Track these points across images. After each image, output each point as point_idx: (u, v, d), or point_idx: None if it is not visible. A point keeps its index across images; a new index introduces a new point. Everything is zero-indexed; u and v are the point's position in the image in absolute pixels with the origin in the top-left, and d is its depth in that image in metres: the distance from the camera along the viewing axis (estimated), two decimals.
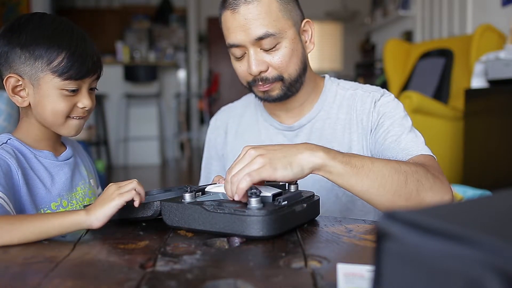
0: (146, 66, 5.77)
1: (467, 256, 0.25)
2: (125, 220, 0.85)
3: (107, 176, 4.70)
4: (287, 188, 0.88)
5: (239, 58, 1.04)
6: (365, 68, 5.90)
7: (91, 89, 0.98)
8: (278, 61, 1.01)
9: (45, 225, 0.75)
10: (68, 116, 0.95)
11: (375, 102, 1.07)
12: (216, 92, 6.95)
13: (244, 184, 0.74)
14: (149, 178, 5.02)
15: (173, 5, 7.72)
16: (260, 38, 0.99)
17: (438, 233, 0.27)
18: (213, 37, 8.00)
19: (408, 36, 4.63)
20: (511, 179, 2.19)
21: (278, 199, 0.77)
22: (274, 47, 1.01)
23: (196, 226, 0.78)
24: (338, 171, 0.80)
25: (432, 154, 0.99)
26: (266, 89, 1.04)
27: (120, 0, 7.87)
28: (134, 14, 7.69)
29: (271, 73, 1.03)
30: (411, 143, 0.99)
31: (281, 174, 0.76)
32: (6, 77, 0.92)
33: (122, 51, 5.92)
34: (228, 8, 1.02)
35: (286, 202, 0.77)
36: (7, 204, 0.83)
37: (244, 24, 0.99)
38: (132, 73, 5.63)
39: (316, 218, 0.90)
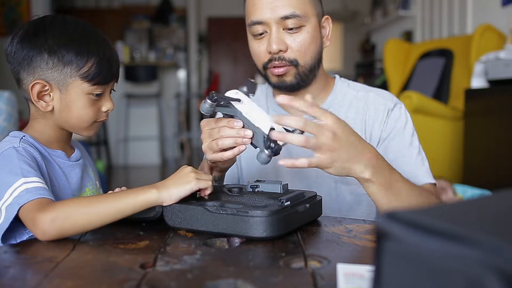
0: (146, 66, 5.77)
1: (467, 256, 0.25)
2: (126, 220, 0.85)
3: (107, 176, 4.70)
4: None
5: (258, 37, 1.04)
6: (365, 68, 5.90)
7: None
8: (298, 44, 1.02)
9: (119, 205, 0.77)
10: (94, 121, 0.96)
11: (388, 112, 1.09)
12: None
13: (300, 164, 0.78)
14: (149, 178, 5.02)
15: (173, 5, 7.71)
16: (286, 18, 1.00)
17: (438, 233, 0.27)
18: (213, 37, 8.00)
19: (408, 36, 4.63)
20: (511, 179, 2.19)
21: (281, 199, 0.77)
22: (297, 29, 1.02)
23: (198, 227, 0.78)
24: (373, 191, 0.86)
25: (435, 182, 1.06)
26: (281, 72, 1.04)
27: (120, 0, 7.87)
28: (134, 14, 7.69)
29: (288, 55, 1.03)
30: (420, 171, 1.05)
31: (328, 172, 0.82)
32: (32, 83, 0.90)
33: (122, 51, 5.91)
34: None
35: (289, 202, 0.77)
36: (51, 192, 0.83)
37: (272, 1, 1.01)
38: (132, 73, 5.62)
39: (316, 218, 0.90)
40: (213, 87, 6.82)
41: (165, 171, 5.59)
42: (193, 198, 0.82)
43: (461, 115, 2.70)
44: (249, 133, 0.84)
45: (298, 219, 0.80)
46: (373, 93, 1.13)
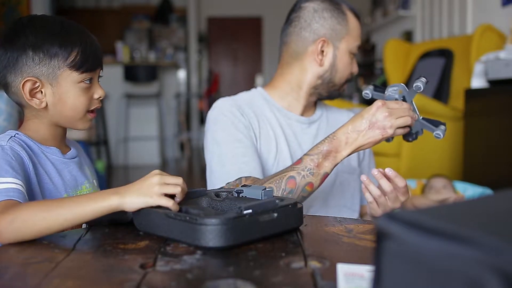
0: (146, 66, 5.76)
1: (467, 256, 0.25)
2: (99, 222, 0.84)
3: (107, 176, 4.70)
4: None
5: (352, 57, 1.25)
6: (365, 68, 5.90)
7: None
8: None
9: (79, 211, 0.75)
10: (87, 111, 0.97)
11: None
12: (216, 92, 6.95)
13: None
14: None
15: (173, 5, 7.71)
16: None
17: (438, 233, 0.27)
18: (213, 37, 7.99)
19: (408, 36, 4.63)
20: (511, 178, 2.19)
21: (240, 207, 0.72)
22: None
23: (157, 232, 0.75)
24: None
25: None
26: None
27: (120, 0, 7.87)
28: (134, 14, 7.69)
29: None
30: None
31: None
32: (22, 82, 0.91)
33: (122, 51, 5.91)
34: (356, 16, 1.24)
35: (250, 210, 0.72)
36: (25, 194, 0.82)
37: None
38: (132, 73, 5.62)
39: (316, 218, 0.89)
40: (213, 87, 6.82)
41: (165, 171, 5.57)
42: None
43: (461, 115, 2.70)
44: (416, 116, 1.06)
45: (261, 229, 0.73)
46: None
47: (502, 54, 2.38)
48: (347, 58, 1.22)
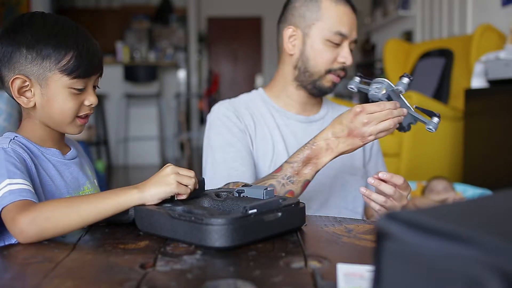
0: (146, 66, 5.77)
1: (467, 256, 0.25)
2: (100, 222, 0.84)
3: (107, 176, 4.70)
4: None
5: (332, 45, 1.17)
6: (365, 68, 5.90)
7: (93, 87, 0.98)
8: (352, 61, 1.20)
9: (101, 206, 0.76)
10: (76, 116, 0.95)
11: None
12: (216, 92, 6.95)
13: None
14: None
15: (173, 5, 7.71)
16: (355, 41, 1.20)
17: (438, 233, 0.27)
18: (213, 37, 7.99)
19: (408, 36, 4.63)
20: (511, 179, 2.19)
21: (245, 207, 0.72)
22: (352, 51, 1.21)
23: (162, 232, 0.75)
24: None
25: None
26: (339, 80, 1.21)
27: (120, 0, 7.86)
28: (134, 14, 7.68)
29: (347, 68, 1.22)
30: None
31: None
32: (12, 79, 0.90)
33: (122, 51, 5.91)
34: (337, 2, 1.17)
35: (255, 210, 0.72)
36: (35, 194, 0.82)
37: (354, 24, 1.19)
38: (132, 73, 5.63)
39: (316, 218, 0.89)
40: (213, 87, 6.82)
41: None
42: (170, 200, 0.80)
43: (461, 115, 2.70)
44: (405, 111, 0.98)
45: (265, 229, 0.73)
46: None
47: (502, 54, 2.38)
48: (319, 45, 1.17)
